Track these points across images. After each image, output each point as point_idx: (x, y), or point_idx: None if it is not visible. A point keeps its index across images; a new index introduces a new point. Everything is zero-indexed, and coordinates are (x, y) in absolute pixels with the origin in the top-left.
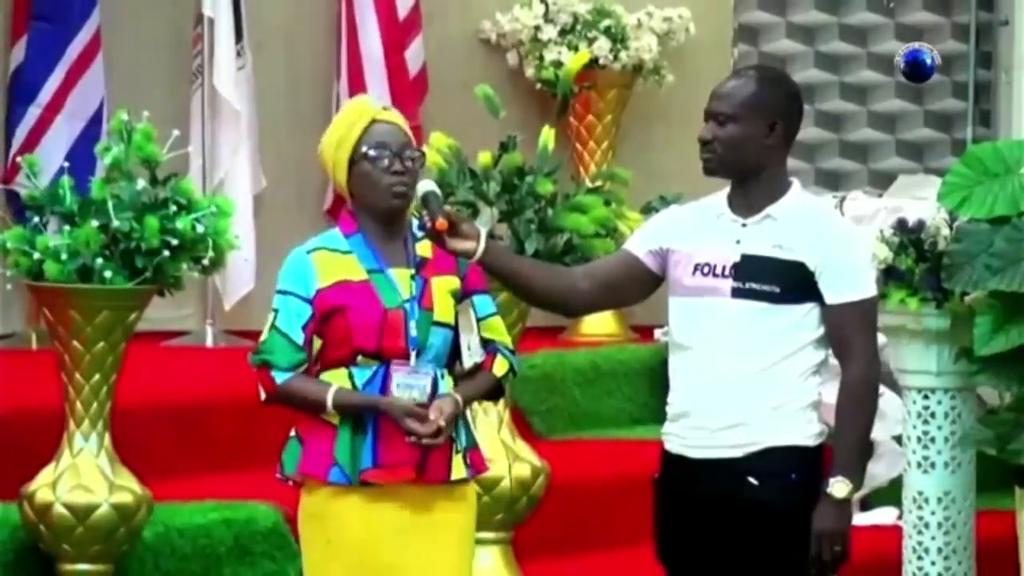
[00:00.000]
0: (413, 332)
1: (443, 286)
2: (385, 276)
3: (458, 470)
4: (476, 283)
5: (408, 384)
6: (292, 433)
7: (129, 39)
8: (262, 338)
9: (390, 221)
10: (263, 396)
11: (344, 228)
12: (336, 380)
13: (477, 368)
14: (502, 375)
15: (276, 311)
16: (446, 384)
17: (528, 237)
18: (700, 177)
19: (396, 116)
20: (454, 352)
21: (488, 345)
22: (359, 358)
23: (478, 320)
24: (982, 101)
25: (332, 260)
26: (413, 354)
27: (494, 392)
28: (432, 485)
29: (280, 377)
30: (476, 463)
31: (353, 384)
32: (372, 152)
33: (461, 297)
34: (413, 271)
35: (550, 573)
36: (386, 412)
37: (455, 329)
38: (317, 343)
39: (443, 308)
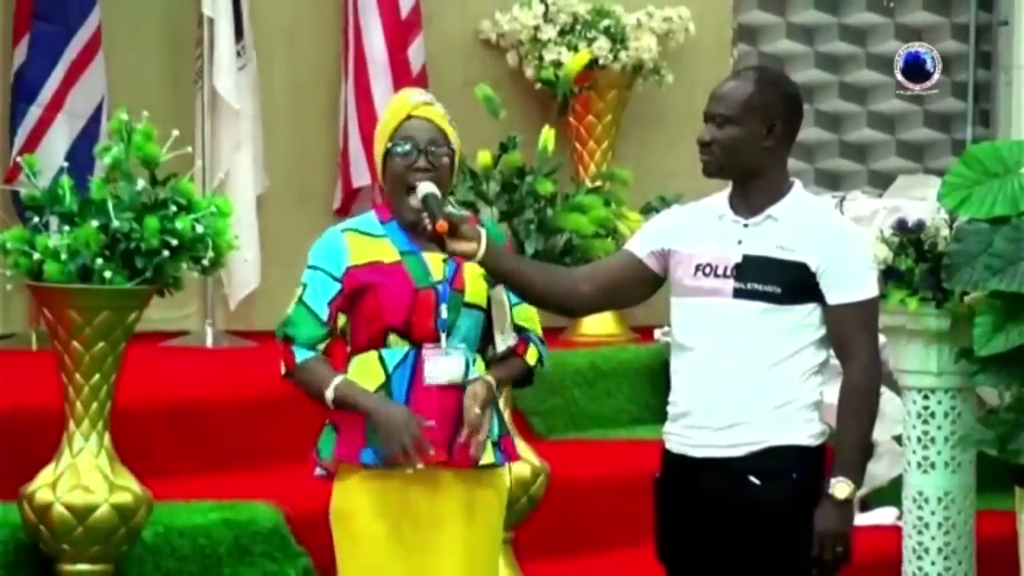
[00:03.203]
0: (444, 314)
1: (476, 269)
2: (417, 257)
3: (488, 456)
4: None
5: (440, 367)
6: (327, 421)
7: (129, 39)
8: (288, 310)
9: (416, 218)
10: (283, 370)
11: (380, 215)
12: (366, 363)
13: (509, 353)
14: (533, 363)
15: (304, 285)
16: (477, 367)
17: (528, 237)
18: (700, 177)
19: (433, 111)
20: (485, 337)
21: (520, 332)
22: (390, 338)
23: (512, 306)
24: (982, 101)
25: (365, 241)
26: (443, 336)
27: (524, 379)
28: (462, 469)
29: (300, 355)
30: (508, 450)
31: (384, 366)
32: (399, 148)
33: (494, 284)
34: (446, 255)
35: (550, 573)
36: (381, 425)
37: (486, 313)
38: (342, 319)
39: (475, 290)
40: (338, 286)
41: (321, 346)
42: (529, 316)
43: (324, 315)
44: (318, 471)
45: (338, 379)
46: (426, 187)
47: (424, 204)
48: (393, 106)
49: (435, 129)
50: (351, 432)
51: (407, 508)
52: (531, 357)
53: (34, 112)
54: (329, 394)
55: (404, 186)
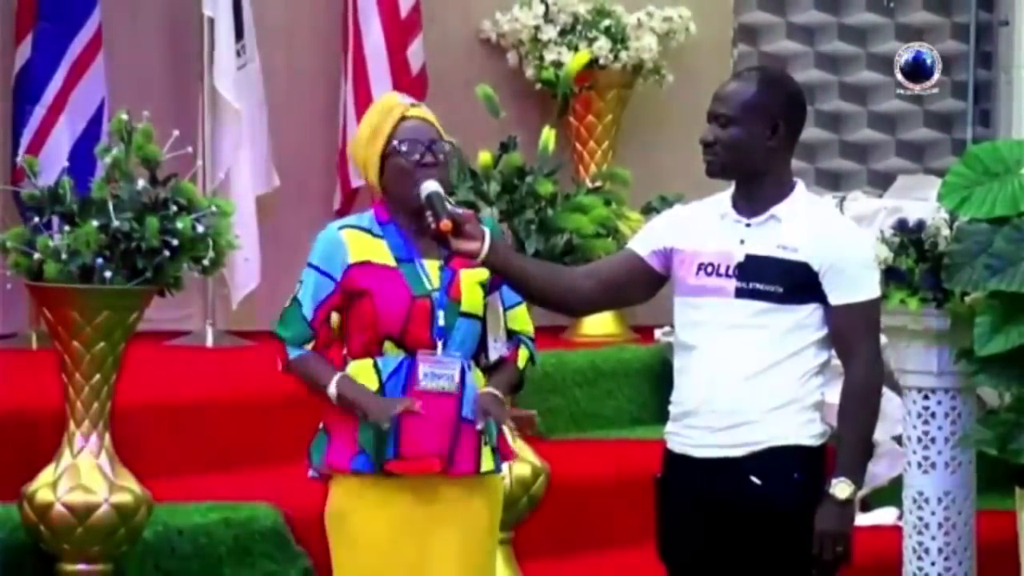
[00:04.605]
0: (440, 322)
1: (472, 277)
2: (414, 265)
3: (487, 462)
4: None
5: (435, 374)
6: (320, 425)
7: (129, 39)
8: (286, 305)
9: (421, 214)
10: (279, 366)
11: (379, 215)
12: (361, 370)
13: (501, 360)
14: (523, 365)
15: (301, 282)
16: (473, 375)
17: (528, 237)
18: (701, 177)
19: (425, 111)
20: (479, 343)
21: (511, 336)
22: (385, 345)
23: (505, 310)
24: (982, 101)
25: (363, 240)
26: (439, 344)
27: (517, 384)
28: (459, 477)
29: (292, 353)
30: (503, 450)
31: (378, 373)
32: (403, 147)
33: (490, 288)
34: (442, 262)
35: (550, 573)
36: (373, 417)
37: (482, 320)
38: (335, 317)
39: (471, 299)
40: (334, 287)
41: (309, 345)
42: (521, 317)
43: (311, 316)
44: (311, 473)
45: (339, 376)
46: (430, 186)
47: (428, 203)
48: (381, 109)
49: (432, 129)
50: (343, 439)
51: (402, 512)
52: (521, 360)
53: (38, 113)
54: (332, 390)
55: (411, 181)
